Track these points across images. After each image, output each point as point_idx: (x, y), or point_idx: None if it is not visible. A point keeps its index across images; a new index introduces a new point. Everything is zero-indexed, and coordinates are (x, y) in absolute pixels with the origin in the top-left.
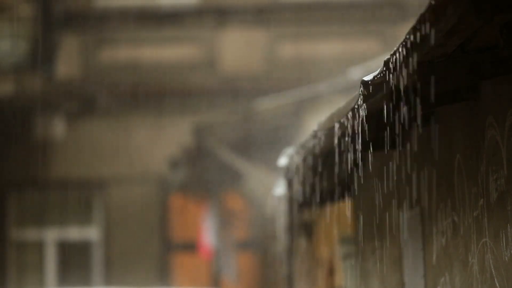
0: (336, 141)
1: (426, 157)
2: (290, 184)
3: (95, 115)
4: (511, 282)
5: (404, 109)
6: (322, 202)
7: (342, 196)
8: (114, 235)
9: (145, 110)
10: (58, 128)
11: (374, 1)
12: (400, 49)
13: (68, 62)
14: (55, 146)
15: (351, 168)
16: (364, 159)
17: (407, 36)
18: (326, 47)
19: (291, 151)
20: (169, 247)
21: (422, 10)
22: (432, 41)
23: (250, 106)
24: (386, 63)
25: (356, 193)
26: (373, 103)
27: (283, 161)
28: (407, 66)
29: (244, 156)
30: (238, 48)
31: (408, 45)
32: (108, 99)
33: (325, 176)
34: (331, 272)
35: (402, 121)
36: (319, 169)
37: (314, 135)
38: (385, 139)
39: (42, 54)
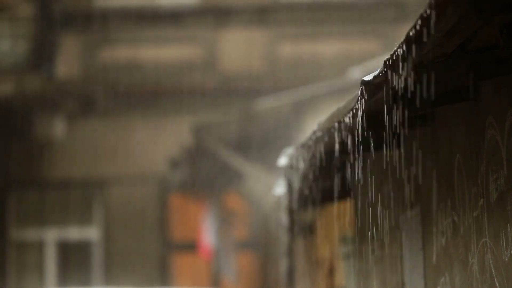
0: (336, 141)
1: (426, 157)
2: (290, 184)
3: (95, 115)
4: (511, 282)
5: (404, 109)
6: (322, 202)
7: (342, 196)
8: (114, 235)
9: (145, 110)
10: (58, 128)
11: (374, 1)
12: (400, 49)
13: (68, 62)
14: (55, 146)
15: (351, 168)
16: (364, 159)
17: (407, 36)
18: (326, 47)
19: (291, 151)
20: (169, 247)
21: (422, 10)
22: (432, 41)
23: (250, 106)
24: (386, 63)
25: (356, 193)
26: (373, 103)
27: (283, 161)
28: (407, 66)
29: (244, 156)
30: (238, 48)
31: (408, 45)
32: (108, 99)
33: (325, 176)
34: (331, 272)
35: (402, 121)
36: (319, 169)
37: (314, 135)
38: (385, 139)
39: (42, 54)
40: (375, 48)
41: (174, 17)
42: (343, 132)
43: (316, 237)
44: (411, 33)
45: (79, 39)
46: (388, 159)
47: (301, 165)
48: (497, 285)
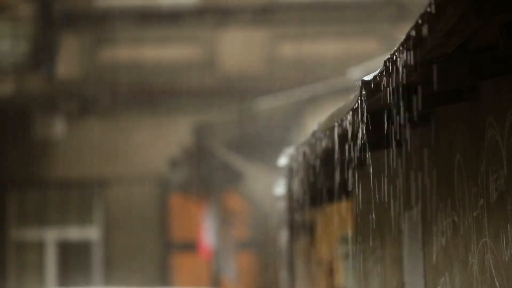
0: (336, 141)
1: (426, 157)
2: (290, 184)
3: (95, 115)
4: (511, 282)
5: (404, 109)
6: (322, 202)
7: (342, 196)
8: (114, 235)
9: (145, 110)
10: (58, 128)
11: (374, 1)
12: (400, 49)
13: (68, 62)
14: (55, 146)
15: (351, 168)
16: (364, 159)
17: (407, 36)
18: (326, 47)
19: (291, 151)
20: (169, 247)
21: (422, 10)
22: (432, 41)
23: (250, 106)
24: (386, 63)
25: (356, 193)
26: (373, 103)
27: (283, 161)
28: (407, 66)
29: (244, 156)
30: (238, 48)
31: (408, 45)
32: (108, 99)
33: (325, 176)
34: (331, 272)
35: (402, 121)
36: (319, 169)
37: (314, 135)
38: (385, 139)
39: (42, 54)
40: (375, 48)
41: (174, 17)
42: (343, 132)
43: (316, 237)
44: (411, 33)
45: (79, 39)
46: (388, 159)
47: (301, 165)
48: (497, 285)
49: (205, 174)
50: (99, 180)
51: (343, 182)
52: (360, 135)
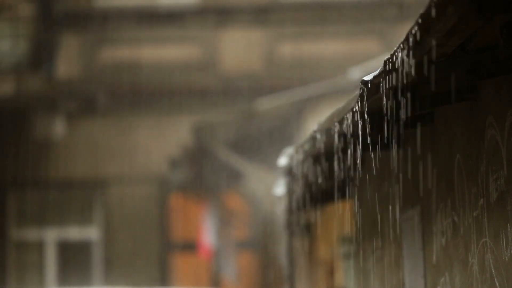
0: (336, 141)
1: (426, 157)
2: (290, 184)
3: (95, 115)
4: (511, 282)
5: (404, 109)
6: (322, 202)
7: (342, 196)
8: (114, 235)
9: (145, 110)
10: (58, 128)
11: (374, 1)
12: (400, 49)
13: (68, 62)
14: (55, 146)
15: (351, 168)
16: (364, 159)
17: (407, 36)
18: (326, 47)
19: (291, 151)
20: (169, 247)
21: (422, 10)
22: (432, 41)
23: (250, 106)
24: (386, 63)
25: (356, 193)
26: (373, 103)
27: (283, 161)
28: (407, 66)
29: (244, 156)
30: (238, 48)
31: (408, 45)
32: (108, 99)
33: (325, 176)
34: (331, 272)
35: (402, 121)
36: (319, 169)
37: (314, 135)
38: (385, 139)
39: (42, 54)
40: (375, 48)
41: (174, 17)
42: (343, 132)
43: (316, 237)
44: (411, 33)
45: (79, 39)
46: (388, 159)
47: (301, 165)
48: (497, 285)
49: (205, 174)
50: (99, 180)
51: (343, 182)
52: (360, 135)
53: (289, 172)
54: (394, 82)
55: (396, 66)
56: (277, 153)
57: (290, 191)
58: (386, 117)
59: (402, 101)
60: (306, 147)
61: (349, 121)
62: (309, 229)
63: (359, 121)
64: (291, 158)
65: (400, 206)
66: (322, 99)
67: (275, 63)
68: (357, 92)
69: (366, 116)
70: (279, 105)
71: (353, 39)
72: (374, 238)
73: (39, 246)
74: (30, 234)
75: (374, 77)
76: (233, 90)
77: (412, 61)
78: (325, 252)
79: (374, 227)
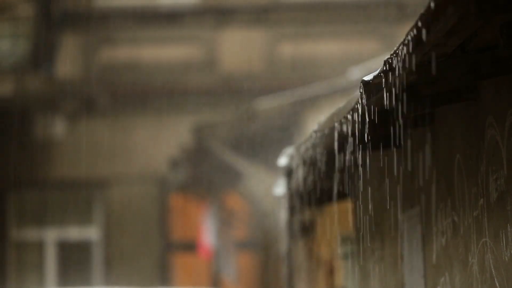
0: (336, 141)
1: (426, 157)
2: (290, 184)
3: (95, 115)
4: (511, 282)
5: (404, 109)
6: (322, 202)
7: (342, 196)
8: (114, 235)
9: (145, 110)
10: (58, 128)
11: (374, 1)
12: (400, 49)
13: (68, 62)
14: (55, 146)
15: (351, 167)
16: (364, 159)
17: (407, 36)
18: (326, 47)
19: (291, 151)
20: (169, 247)
21: (422, 10)
22: (432, 41)
23: (250, 106)
24: (386, 63)
25: (356, 192)
26: (373, 103)
27: (283, 161)
28: (407, 66)
29: (244, 156)
30: (238, 48)
31: (408, 45)
32: (108, 99)
33: (325, 176)
34: (331, 272)
35: (402, 121)
36: (319, 169)
37: (314, 135)
38: (385, 139)
39: (42, 54)
40: (375, 48)
41: (174, 17)
42: (343, 132)
43: (316, 237)
44: (411, 33)
45: (79, 39)
46: (388, 159)
47: (301, 165)
48: (497, 285)
49: (205, 174)
50: (99, 180)
51: (343, 182)
52: (360, 135)
53: (289, 172)
54: (394, 82)
55: (396, 66)
56: (277, 153)
57: (290, 191)
58: (386, 117)
59: (402, 101)
60: (306, 147)
61: (349, 121)
62: (309, 229)
63: (359, 121)
64: (291, 158)
65: (400, 206)
66: (322, 99)
67: (275, 63)
68: (357, 92)
69: (366, 116)
70: (279, 105)
71: (353, 39)
72: (374, 238)
73: (39, 246)
74: (30, 234)
75: (374, 77)
76: (233, 90)
77: (412, 61)
78: (325, 252)
79: (374, 227)
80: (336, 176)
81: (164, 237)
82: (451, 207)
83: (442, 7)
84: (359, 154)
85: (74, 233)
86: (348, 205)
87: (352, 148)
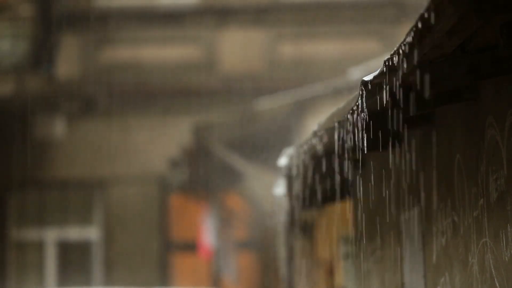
0: (336, 141)
1: (426, 157)
2: (290, 184)
3: (95, 115)
4: (511, 282)
5: (404, 109)
6: (322, 202)
7: (342, 196)
8: (114, 235)
9: (145, 110)
10: (58, 128)
11: (374, 1)
12: (400, 49)
13: (68, 62)
14: (55, 146)
15: (351, 168)
16: (364, 159)
17: (407, 36)
18: (326, 47)
19: (291, 151)
20: (169, 247)
21: (422, 10)
22: (432, 41)
23: (250, 106)
24: (386, 63)
25: (356, 193)
26: (373, 103)
27: (283, 161)
28: (407, 66)
29: (244, 156)
30: (238, 48)
31: (408, 45)
32: (108, 99)
33: (325, 176)
34: (331, 272)
35: (402, 121)
36: (319, 169)
37: (314, 135)
38: (385, 139)
39: (42, 54)
40: (375, 48)
41: (174, 17)
42: (343, 132)
43: (316, 237)
44: (411, 33)
45: (79, 39)
46: (388, 159)
47: (301, 165)
48: (497, 285)
49: (205, 174)
50: (99, 180)
51: (343, 182)
52: (360, 135)
53: (289, 172)
54: (394, 82)
55: (396, 66)
56: (277, 153)
57: (290, 191)
58: (386, 117)
59: (402, 101)
60: (306, 147)
61: (349, 121)
62: (309, 229)
63: (359, 121)
64: (291, 158)
65: (400, 206)
66: (322, 99)
67: (275, 63)
68: (357, 92)
69: (366, 116)
70: (279, 105)
71: (353, 39)
72: (374, 238)
73: (39, 246)
74: (30, 234)
75: (374, 77)
76: (233, 90)
77: (412, 61)
78: (325, 252)
79: (374, 227)
80: (336, 176)
81: (164, 237)
82: (451, 207)
83: (442, 7)
84: (359, 154)
85: (74, 233)
86: (348, 205)
87: (352, 148)
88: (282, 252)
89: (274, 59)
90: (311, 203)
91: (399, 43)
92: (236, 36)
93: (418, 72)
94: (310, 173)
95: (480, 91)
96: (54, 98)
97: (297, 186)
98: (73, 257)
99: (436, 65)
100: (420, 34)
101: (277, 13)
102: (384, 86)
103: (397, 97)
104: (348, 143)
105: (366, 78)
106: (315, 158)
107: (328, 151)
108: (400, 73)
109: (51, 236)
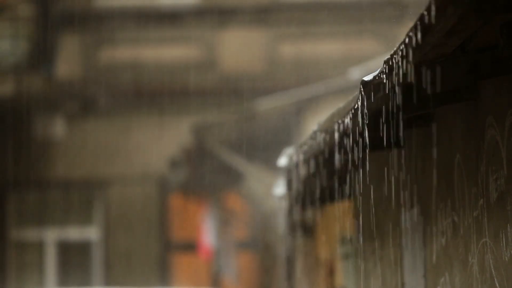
0: (336, 141)
1: (426, 157)
2: (290, 184)
3: (95, 115)
4: (511, 282)
5: (404, 109)
6: (322, 202)
7: (342, 196)
8: (114, 235)
9: (145, 110)
10: (58, 128)
11: (374, 1)
12: (400, 49)
13: (68, 62)
14: (55, 146)
15: (351, 168)
16: (364, 159)
17: (407, 36)
18: (326, 47)
19: (291, 151)
20: (169, 247)
21: (422, 10)
22: (432, 41)
23: (250, 106)
24: (386, 63)
25: (356, 193)
26: (373, 103)
27: (283, 161)
28: (407, 66)
29: (244, 156)
30: (238, 48)
31: (408, 45)
32: (108, 99)
33: (325, 176)
34: (331, 272)
35: (402, 121)
36: (319, 169)
37: (314, 135)
38: (385, 139)
39: (42, 54)
40: (375, 48)
41: (174, 17)
42: (343, 132)
43: (316, 237)
44: (411, 33)
45: (79, 39)
46: (388, 159)
47: (301, 165)
48: (497, 285)
49: (205, 174)
50: (99, 180)
51: (343, 182)
52: (360, 135)
53: (289, 172)
54: (394, 82)
55: (396, 66)
56: (277, 153)
57: (290, 191)
58: (386, 117)
59: (402, 101)
60: (306, 147)
61: (349, 121)
62: (309, 229)
63: (359, 121)
64: (291, 158)
65: (400, 206)
66: (322, 99)
67: (275, 63)
68: (357, 92)
69: (366, 116)
70: (279, 105)
71: (353, 39)
72: (374, 238)
73: (39, 246)
74: (30, 234)
75: (374, 77)
76: (233, 90)
77: (412, 61)
78: (325, 252)
79: (374, 227)
80: (336, 176)
81: (164, 237)
82: (451, 207)
83: (442, 7)
84: (359, 154)
85: (74, 233)
86: (348, 205)
87: (351, 148)
88: (282, 252)
89: (274, 59)
90: (311, 203)
91: (399, 43)
92: (236, 36)
93: (418, 72)
94: (310, 173)
95: (480, 91)
96: (54, 98)
97: (297, 186)
98: (73, 257)
99: (436, 65)
100: (420, 34)
101: (277, 13)
102: (384, 86)
103: (397, 97)
104: (348, 143)
105: (366, 78)
106: (315, 158)
107: (328, 151)
108: (400, 73)
109: (51, 236)
